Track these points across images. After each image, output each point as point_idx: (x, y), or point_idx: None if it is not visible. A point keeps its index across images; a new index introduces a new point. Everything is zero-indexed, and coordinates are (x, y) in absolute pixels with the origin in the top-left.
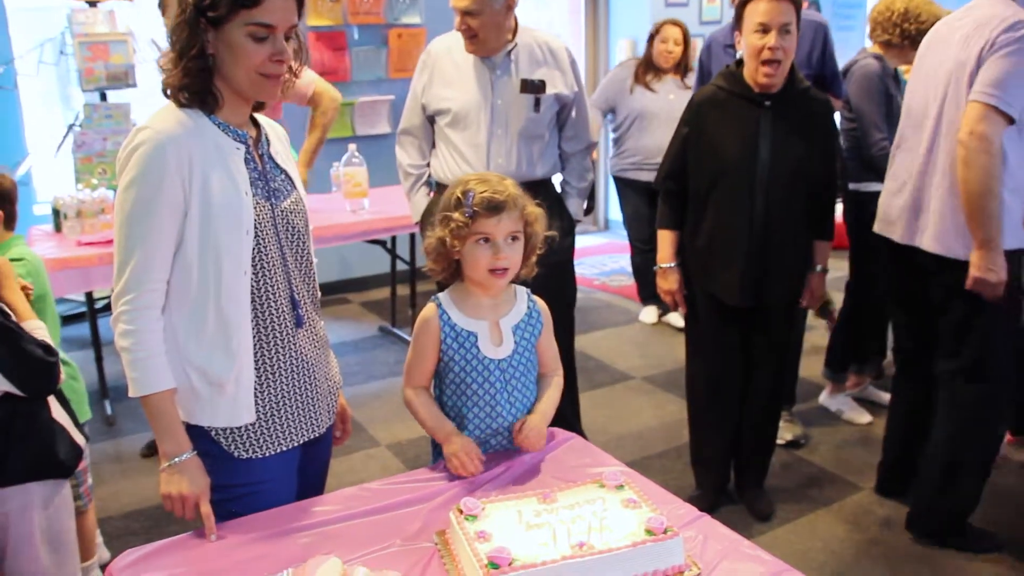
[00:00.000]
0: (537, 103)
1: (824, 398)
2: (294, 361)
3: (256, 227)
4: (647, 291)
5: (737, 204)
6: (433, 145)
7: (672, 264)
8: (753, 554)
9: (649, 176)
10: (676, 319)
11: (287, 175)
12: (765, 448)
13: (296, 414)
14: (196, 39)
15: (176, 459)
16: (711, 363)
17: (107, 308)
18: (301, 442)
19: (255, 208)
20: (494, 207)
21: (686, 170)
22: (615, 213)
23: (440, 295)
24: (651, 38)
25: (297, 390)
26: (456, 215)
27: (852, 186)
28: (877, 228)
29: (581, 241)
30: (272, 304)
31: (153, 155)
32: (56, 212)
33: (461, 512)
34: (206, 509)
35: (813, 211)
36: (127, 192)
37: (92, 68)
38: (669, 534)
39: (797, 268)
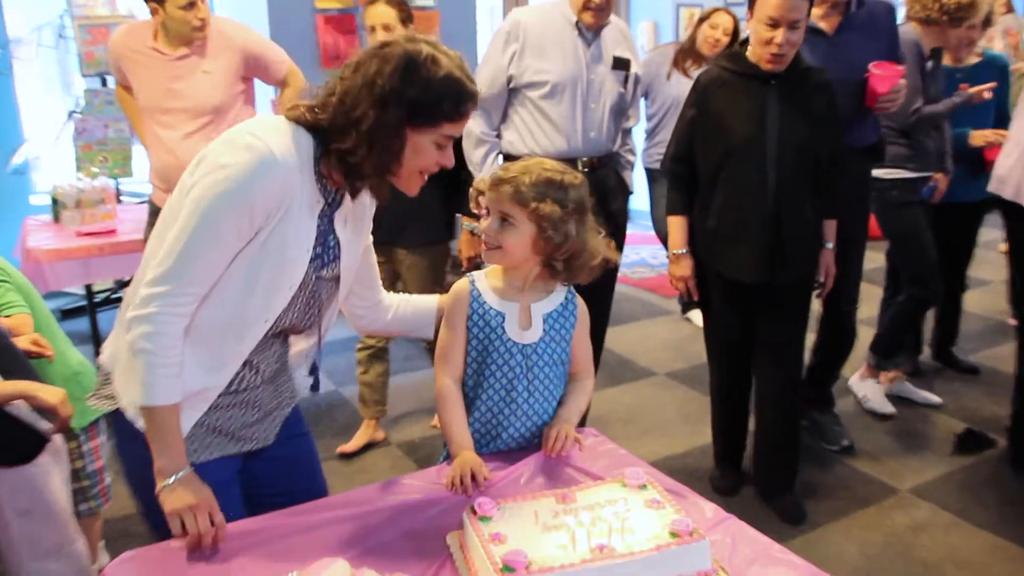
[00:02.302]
0: (626, 79)
1: (854, 380)
2: (247, 409)
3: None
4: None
5: (748, 180)
6: (503, 118)
7: (685, 250)
8: (784, 558)
9: None
10: (698, 317)
11: (338, 242)
12: (787, 448)
13: (226, 443)
14: (399, 143)
15: (175, 476)
16: (724, 350)
17: (108, 302)
18: (230, 453)
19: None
20: None
21: (694, 152)
22: (636, 204)
23: (475, 272)
24: (699, 22)
25: (235, 425)
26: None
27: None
28: (990, 187)
29: None
30: (257, 357)
31: (265, 171)
32: (55, 201)
33: (475, 512)
34: (220, 518)
35: (819, 189)
36: (220, 185)
37: (92, 52)
38: (695, 537)
39: (810, 243)
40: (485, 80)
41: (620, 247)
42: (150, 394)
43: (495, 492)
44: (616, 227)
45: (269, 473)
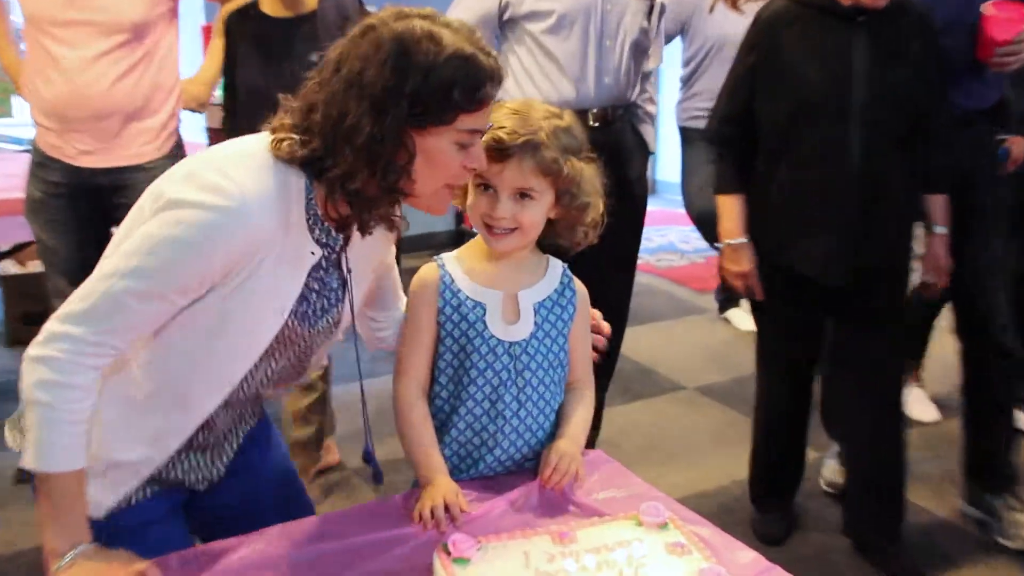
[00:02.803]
0: (650, 10)
1: None
2: (195, 455)
3: (268, 348)
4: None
5: (827, 147)
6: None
7: (743, 239)
8: None
9: None
10: (739, 318)
11: (345, 283)
12: (887, 489)
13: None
14: (405, 154)
15: (74, 551)
16: (784, 364)
17: None
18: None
19: (284, 328)
20: None
21: (752, 110)
22: (665, 173)
23: (445, 254)
24: None
25: (176, 472)
26: None
27: None
28: None
29: None
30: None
31: (232, 224)
32: None
33: (448, 552)
34: (145, 565)
35: (921, 154)
36: (172, 228)
37: None
38: None
39: (906, 230)
40: (473, 7)
41: (639, 225)
42: (45, 457)
43: (475, 528)
44: (634, 199)
45: (222, 497)
